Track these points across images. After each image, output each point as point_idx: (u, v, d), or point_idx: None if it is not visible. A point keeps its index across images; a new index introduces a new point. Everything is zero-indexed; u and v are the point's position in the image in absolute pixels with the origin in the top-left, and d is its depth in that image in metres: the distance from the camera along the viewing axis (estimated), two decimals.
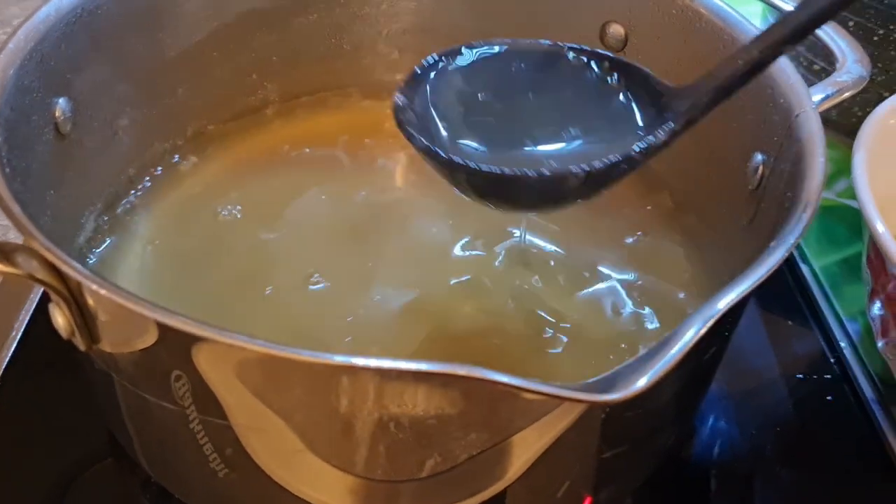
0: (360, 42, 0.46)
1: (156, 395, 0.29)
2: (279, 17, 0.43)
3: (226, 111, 0.44)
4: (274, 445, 0.28)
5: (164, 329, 0.25)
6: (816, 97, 0.35)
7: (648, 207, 0.41)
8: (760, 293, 0.42)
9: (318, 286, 0.37)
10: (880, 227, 0.31)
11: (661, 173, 0.42)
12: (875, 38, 0.45)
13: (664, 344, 0.23)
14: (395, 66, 0.46)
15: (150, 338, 0.26)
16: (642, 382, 0.22)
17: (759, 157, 0.35)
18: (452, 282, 0.37)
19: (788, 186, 0.31)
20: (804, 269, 0.43)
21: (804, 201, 0.28)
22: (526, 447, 0.28)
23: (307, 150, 0.44)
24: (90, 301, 0.27)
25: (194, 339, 0.25)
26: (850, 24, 0.46)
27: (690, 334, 0.23)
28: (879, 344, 0.35)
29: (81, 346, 0.28)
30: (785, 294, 0.43)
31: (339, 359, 0.23)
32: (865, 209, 0.32)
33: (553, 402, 0.25)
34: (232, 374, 0.26)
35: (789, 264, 0.44)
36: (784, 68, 0.34)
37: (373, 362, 0.23)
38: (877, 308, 0.34)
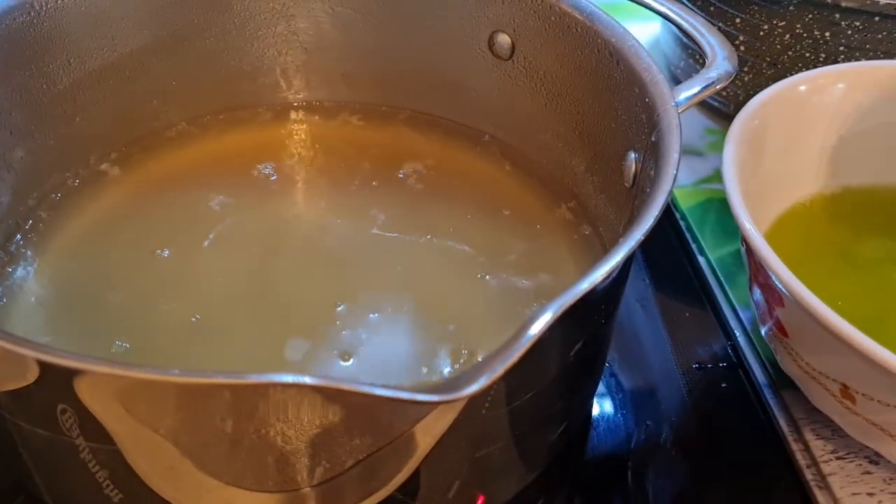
0: (259, 63, 0.46)
1: (44, 428, 0.29)
2: (174, 44, 0.43)
3: (128, 137, 0.44)
4: (164, 468, 0.29)
5: (43, 365, 0.25)
6: (689, 92, 0.37)
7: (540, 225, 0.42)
8: (661, 286, 0.44)
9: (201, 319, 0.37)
10: (747, 224, 0.32)
11: (560, 182, 0.43)
12: (761, 34, 0.46)
13: (509, 342, 0.24)
14: (297, 85, 0.47)
15: (30, 375, 0.27)
16: (483, 381, 0.23)
17: (632, 155, 0.36)
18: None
19: (651, 183, 0.32)
20: (701, 261, 0.44)
21: (656, 199, 0.29)
22: (410, 449, 0.29)
23: (212, 171, 0.44)
24: None
25: (74, 373, 0.25)
26: (738, 20, 0.47)
27: (536, 328, 0.24)
28: (763, 329, 0.36)
29: None
30: (684, 286, 0.44)
31: (213, 378, 0.24)
32: (733, 204, 0.33)
33: (411, 407, 0.26)
34: (114, 402, 0.26)
35: (688, 257, 0.45)
36: (649, 66, 0.35)
37: (238, 379, 0.24)
38: (757, 294, 0.35)
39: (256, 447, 0.27)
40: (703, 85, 0.37)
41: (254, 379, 0.24)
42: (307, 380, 0.24)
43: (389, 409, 0.26)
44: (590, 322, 0.30)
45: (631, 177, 0.36)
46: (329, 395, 0.25)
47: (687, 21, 0.40)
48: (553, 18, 0.40)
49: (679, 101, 0.36)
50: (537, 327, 0.24)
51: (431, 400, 0.23)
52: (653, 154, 0.33)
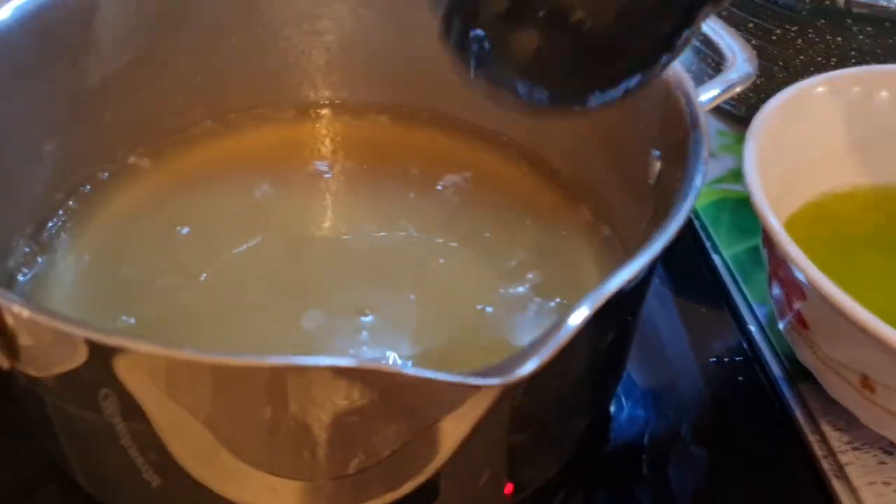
0: (284, 61, 0.47)
1: (84, 409, 0.30)
2: (202, 41, 0.44)
3: (154, 133, 0.45)
4: (202, 453, 0.29)
5: (87, 343, 0.26)
6: (709, 94, 0.38)
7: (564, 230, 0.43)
8: (677, 283, 0.45)
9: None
10: (770, 218, 0.33)
11: (579, 182, 0.44)
12: (773, 38, 0.48)
13: (552, 329, 0.25)
14: (322, 83, 0.48)
15: (73, 353, 0.27)
16: (533, 365, 0.24)
17: (655, 153, 0.37)
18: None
19: (679, 182, 0.33)
20: (716, 259, 0.45)
21: (687, 196, 0.30)
22: (444, 437, 0.29)
23: (237, 167, 0.45)
24: (8, 320, 0.27)
25: (115, 351, 0.25)
26: (750, 24, 0.48)
27: (576, 319, 0.25)
28: (781, 324, 0.37)
29: (4, 365, 0.29)
30: (699, 284, 0.45)
31: (245, 359, 0.24)
32: (755, 198, 0.34)
33: (464, 390, 0.26)
34: (155, 384, 0.27)
35: (703, 255, 0.46)
36: (674, 66, 0.36)
37: (278, 360, 0.24)
38: (776, 289, 0.36)
39: (293, 433, 0.28)
40: (724, 87, 0.38)
41: (295, 361, 0.25)
42: (353, 363, 0.25)
43: (430, 395, 0.27)
44: (618, 318, 0.31)
45: (655, 175, 0.37)
46: (372, 378, 0.25)
47: (707, 23, 0.41)
48: None
49: (701, 101, 0.37)
50: (577, 319, 0.25)
51: (488, 384, 0.24)
52: (678, 153, 0.34)
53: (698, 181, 0.31)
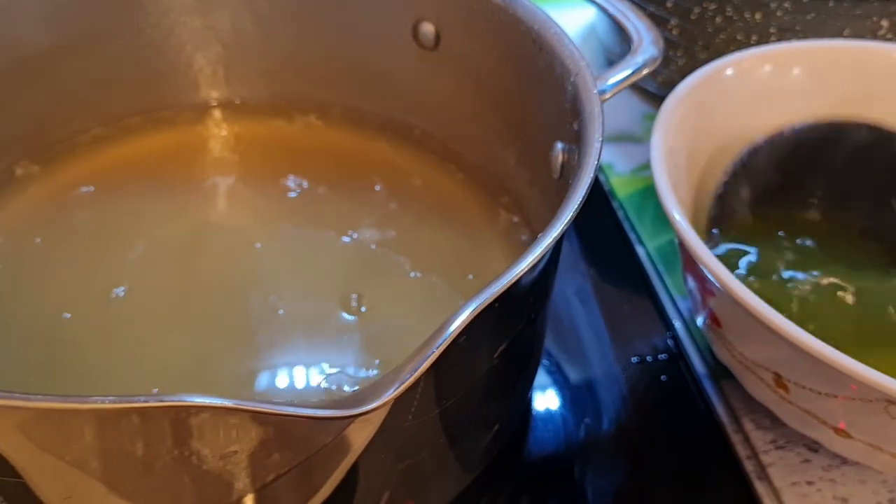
0: (177, 62, 0.44)
1: None
2: (82, 46, 0.41)
3: (38, 143, 0.42)
4: (73, 495, 0.27)
5: None
6: (614, 79, 0.36)
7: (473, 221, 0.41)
8: (599, 278, 0.43)
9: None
10: (676, 215, 0.31)
11: (494, 174, 0.42)
12: (692, 17, 0.46)
13: (413, 357, 0.23)
14: (218, 83, 0.45)
15: None
16: (384, 398, 0.22)
17: (559, 145, 0.35)
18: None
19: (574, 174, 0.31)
20: (640, 250, 0.43)
21: (575, 191, 0.28)
22: (333, 462, 0.27)
23: (130, 175, 0.42)
24: None
25: None
26: (668, 3, 0.46)
27: (429, 353, 0.23)
28: (698, 320, 0.35)
29: None
30: (624, 278, 0.43)
31: (118, 402, 0.22)
32: (661, 194, 0.32)
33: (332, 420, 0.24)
34: (17, 433, 0.25)
35: (627, 247, 0.44)
36: (571, 53, 0.34)
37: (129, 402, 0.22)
38: (691, 284, 0.35)
39: (171, 468, 0.26)
40: (630, 71, 0.36)
41: (156, 401, 0.23)
42: (204, 400, 0.23)
43: (303, 424, 0.25)
44: (511, 325, 0.29)
45: (558, 168, 0.34)
46: (233, 413, 0.23)
47: (613, 5, 0.39)
48: (475, 5, 0.38)
49: (606, 86, 0.35)
50: (438, 345, 0.23)
51: (330, 415, 0.22)
52: (578, 144, 0.32)
53: (589, 172, 0.28)
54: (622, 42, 0.52)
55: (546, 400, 0.38)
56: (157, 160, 0.44)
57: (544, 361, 0.40)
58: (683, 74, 0.48)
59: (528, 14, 0.37)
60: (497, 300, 0.24)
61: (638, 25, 0.37)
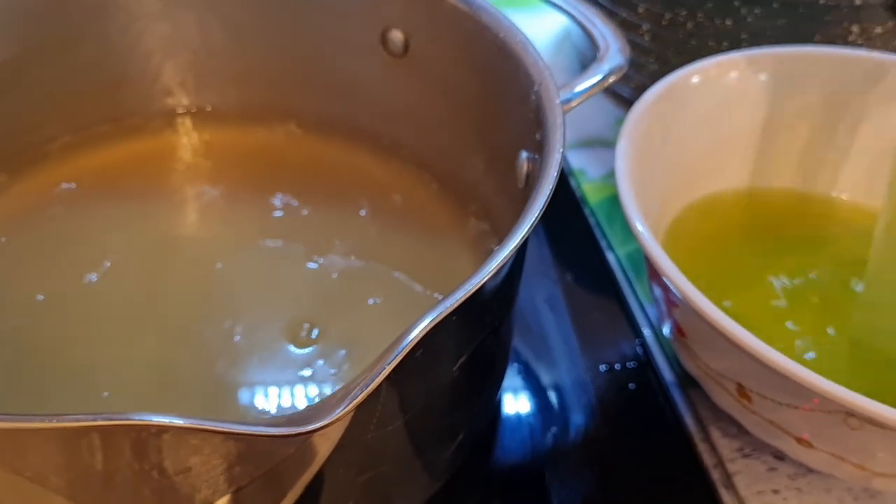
0: (146, 69, 0.44)
1: None
2: (48, 53, 0.41)
3: (7, 152, 0.41)
4: None
5: None
6: (581, 87, 0.36)
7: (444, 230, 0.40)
8: (570, 285, 0.43)
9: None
10: (638, 225, 0.31)
11: (464, 183, 0.42)
12: (664, 23, 0.46)
13: (364, 374, 0.23)
14: (187, 90, 0.45)
15: None
16: (329, 418, 0.22)
17: (524, 154, 0.34)
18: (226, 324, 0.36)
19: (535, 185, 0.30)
20: (610, 257, 0.43)
21: (534, 203, 0.28)
22: (295, 473, 0.27)
23: (100, 184, 0.42)
24: None
25: None
26: (640, 9, 0.46)
27: (380, 370, 0.22)
28: (664, 329, 0.35)
29: None
30: (594, 284, 0.43)
31: (70, 421, 0.22)
32: (624, 203, 0.31)
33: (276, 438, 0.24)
34: None
35: (599, 253, 0.44)
36: (535, 62, 0.34)
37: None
38: (657, 292, 0.34)
39: (131, 482, 0.26)
40: (595, 80, 0.36)
41: (114, 420, 0.23)
42: (155, 419, 0.22)
43: (257, 440, 0.25)
44: (471, 336, 0.29)
45: (523, 177, 0.34)
46: (176, 431, 0.23)
47: (579, 11, 0.39)
48: (442, 12, 0.38)
49: (574, 94, 0.35)
50: (389, 362, 0.23)
51: (276, 433, 0.22)
52: (541, 154, 0.32)
53: (548, 185, 0.28)
54: (594, 47, 0.52)
55: (514, 407, 0.38)
56: (126, 169, 0.43)
57: (512, 368, 0.39)
58: (656, 79, 0.48)
59: (494, 22, 0.36)
60: (454, 313, 0.24)
61: (605, 32, 0.37)
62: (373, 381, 0.22)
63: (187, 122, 0.45)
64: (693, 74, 0.36)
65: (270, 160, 0.44)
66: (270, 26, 0.43)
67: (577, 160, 0.49)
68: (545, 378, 0.39)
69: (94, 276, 0.38)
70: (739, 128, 0.38)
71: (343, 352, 0.34)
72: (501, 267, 0.26)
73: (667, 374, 0.38)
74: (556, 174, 0.29)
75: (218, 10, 0.43)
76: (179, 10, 0.43)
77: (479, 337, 0.30)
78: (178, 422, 0.22)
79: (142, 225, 0.41)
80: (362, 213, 0.41)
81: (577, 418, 0.38)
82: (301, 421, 0.23)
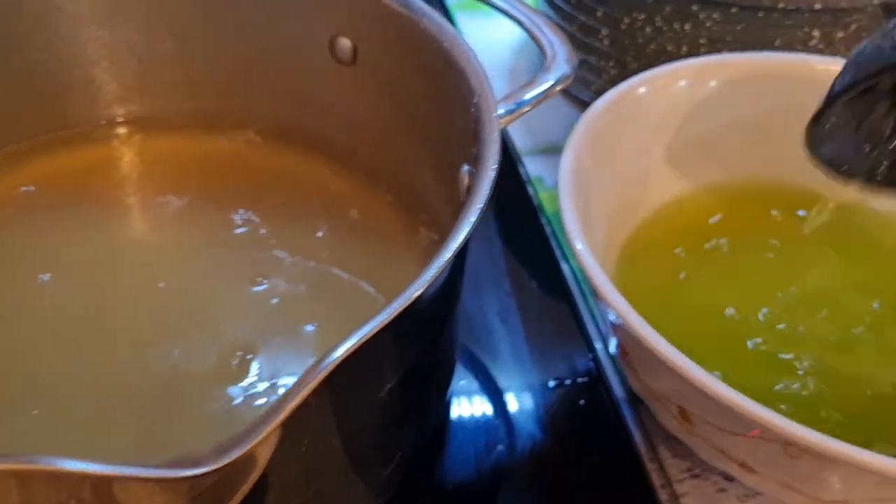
0: (92, 77, 0.43)
1: None
2: None
3: None
4: None
5: None
6: (528, 96, 0.35)
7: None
8: (523, 297, 0.42)
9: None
10: (577, 244, 0.30)
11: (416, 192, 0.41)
12: (622, 27, 0.45)
13: (261, 418, 0.22)
14: (134, 97, 0.44)
15: None
16: (211, 466, 0.21)
17: (465, 167, 0.33)
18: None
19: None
20: (565, 268, 0.42)
21: (462, 221, 0.27)
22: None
23: (44, 193, 0.41)
24: None
25: None
26: (598, 13, 0.45)
27: (275, 417, 0.22)
28: (610, 346, 0.34)
29: None
30: (548, 297, 0.42)
31: None
32: (565, 221, 0.30)
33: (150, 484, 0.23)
34: None
35: (555, 264, 0.43)
36: (475, 71, 0.33)
37: None
38: (602, 307, 0.34)
39: None
40: (542, 89, 0.35)
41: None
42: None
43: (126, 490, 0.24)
44: (398, 360, 0.28)
45: (464, 190, 0.33)
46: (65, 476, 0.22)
47: (528, 18, 0.38)
48: (389, 20, 0.37)
49: (520, 102, 0.34)
50: (288, 405, 0.22)
51: (164, 476, 0.21)
52: (477, 168, 0.31)
53: (478, 202, 0.27)
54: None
55: (462, 423, 0.37)
56: (73, 179, 0.42)
57: (462, 383, 0.39)
58: (616, 84, 0.47)
59: (439, 31, 0.35)
60: (367, 343, 0.23)
61: (553, 40, 0.36)
62: (269, 423, 0.22)
63: (136, 130, 0.44)
64: (640, 85, 0.35)
65: (226, 170, 0.43)
66: (218, 33, 0.42)
67: (534, 167, 0.47)
68: (495, 393, 0.38)
69: (33, 288, 0.37)
70: (694, 132, 0.37)
71: (273, 382, 0.33)
72: (427, 287, 0.25)
73: (618, 390, 0.37)
74: (488, 192, 0.28)
75: (164, 17, 0.42)
76: (124, 17, 0.42)
77: (410, 360, 0.29)
78: (67, 466, 0.21)
79: (85, 235, 0.39)
80: (319, 234, 0.40)
81: (527, 434, 0.37)
82: (190, 465, 0.22)
